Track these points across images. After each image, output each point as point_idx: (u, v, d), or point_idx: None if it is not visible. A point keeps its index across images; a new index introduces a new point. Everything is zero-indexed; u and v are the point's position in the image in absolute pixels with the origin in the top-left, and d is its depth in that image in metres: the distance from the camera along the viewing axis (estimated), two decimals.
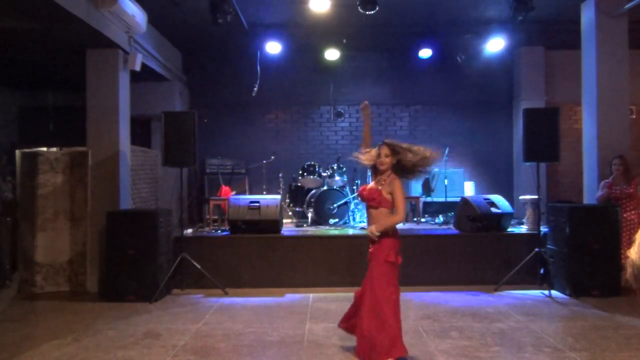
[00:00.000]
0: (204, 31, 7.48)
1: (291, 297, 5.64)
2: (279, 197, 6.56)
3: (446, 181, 7.85)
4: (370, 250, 3.63)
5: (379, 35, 7.92)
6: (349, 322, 3.74)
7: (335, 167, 7.80)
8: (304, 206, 7.78)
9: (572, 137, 8.36)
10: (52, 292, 5.99)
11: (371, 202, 3.54)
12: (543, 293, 5.62)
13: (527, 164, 6.20)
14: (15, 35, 5.85)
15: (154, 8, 6.32)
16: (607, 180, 5.84)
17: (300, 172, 7.87)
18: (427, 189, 8.31)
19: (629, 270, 1.37)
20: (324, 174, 7.79)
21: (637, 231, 5.27)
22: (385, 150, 3.54)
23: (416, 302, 5.35)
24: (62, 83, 8.31)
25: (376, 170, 3.63)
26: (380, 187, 3.53)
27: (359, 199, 3.71)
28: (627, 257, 1.32)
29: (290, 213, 8.17)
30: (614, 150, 5.95)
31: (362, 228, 6.91)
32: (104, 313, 5.03)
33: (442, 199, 7.87)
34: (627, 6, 6.01)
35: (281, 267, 6.07)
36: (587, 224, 5.47)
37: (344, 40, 7.98)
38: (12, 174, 6.39)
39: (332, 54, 8.30)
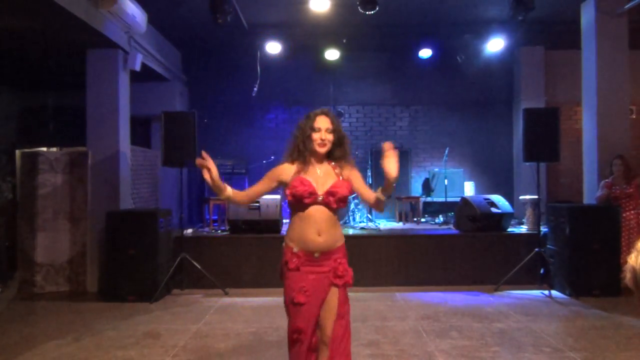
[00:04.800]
0: (204, 31, 7.49)
1: None
2: (279, 197, 6.56)
3: (446, 181, 7.85)
4: (313, 268, 2.41)
5: (379, 35, 7.92)
6: None
7: None
8: None
9: (572, 137, 8.35)
10: (52, 292, 5.99)
11: (339, 194, 2.43)
12: (543, 293, 5.62)
13: (527, 164, 6.20)
14: (15, 35, 5.85)
15: (154, 8, 6.32)
16: (606, 180, 5.84)
17: None
18: (427, 189, 8.32)
19: (628, 275, 1.37)
20: None
21: (636, 231, 5.25)
22: (326, 122, 2.51)
23: (416, 302, 5.35)
24: (62, 83, 8.30)
25: (302, 155, 2.52)
26: (337, 176, 2.51)
27: (303, 195, 2.40)
28: (627, 262, 1.32)
29: None
30: (614, 150, 5.95)
31: (362, 228, 6.92)
32: (104, 313, 5.03)
33: (442, 199, 7.87)
34: (627, 6, 6.01)
35: None
36: (587, 224, 5.47)
37: (344, 40, 7.98)
38: (12, 174, 6.39)
39: (332, 54, 8.29)
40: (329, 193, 2.41)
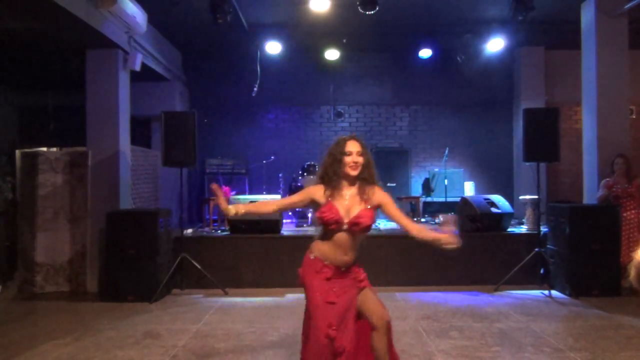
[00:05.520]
0: (204, 31, 7.48)
1: (291, 297, 5.64)
2: (279, 197, 6.56)
3: (446, 181, 7.85)
4: (339, 278, 2.66)
5: (379, 35, 7.92)
6: None
7: None
8: None
9: (572, 137, 8.36)
10: (52, 292, 5.99)
11: (363, 224, 2.59)
12: (543, 293, 5.62)
13: (527, 164, 6.20)
14: (15, 35, 5.85)
15: (154, 8, 6.32)
16: (607, 180, 5.84)
17: (300, 172, 7.87)
18: (427, 189, 8.32)
19: (633, 273, 1.37)
20: None
21: (636, 230, 5.24)
22: (357, 146, 2.66)
23: (416, 302, 5.35)
24: (62, 83, 8.31)
25: (333, 179, 2.66)
26: (364, 204, 2.64)
27: (330, 223, 2.59)
28: (632, 258, 1.32)
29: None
30: (614, 150, 5.95)
31: None
32: (104, 313, 5.03)
33: (442, 199, 7.87)
34: (627, 6, 6.01)
35: (281, 267, 6.07)
36: (587, 224, 5.47)
37: (344, 40, 7.98)
38: (12, 174, 6.39)
39: (332, 54, 8.29)
40: (354, 223, 2.59)
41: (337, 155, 2.66)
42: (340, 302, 2.59)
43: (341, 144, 2.67)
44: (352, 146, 2.66)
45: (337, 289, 2.62)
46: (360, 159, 2.64)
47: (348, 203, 2.63)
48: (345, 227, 2.59)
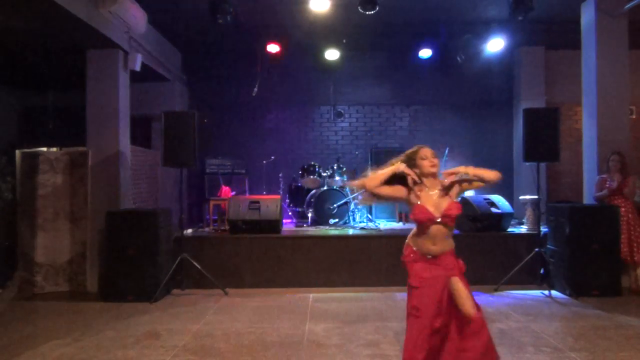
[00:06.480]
0: (204, 31, 7.49)
1: (291, 297, 5.64)
2: (279, 197, 6.57)
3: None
4: (427, 265, 3.03)
5: (379, 35, 7.92)
6: None
7: (335, 167, 7.80)
8: (304, 206, 7.79)
9: (572, 137, 8.36)
10: (52, 292, 5.99)
11: (452, 219, 2.96)
12: (543, 293, 5.62)
13: (527, 164, 6.20)
14: (15, 35, 5.85)
15: (154, 8, 6.33)
16: (602, 176, 5.85)
17: (300, 172, 7.87)
18: None
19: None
20: (324, 174, 7.79)
21: (625, 228, 5.22)
22: (429, 151, 3.14)
23: None
24: (62, 83, 8.31)
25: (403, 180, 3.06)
26: (448, 197, 3.04)
27: (423, 223, 2.97)
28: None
29: (290, 213, 8.18)
30: (614, 150, 5.95)
31: (362, 228, 6.92)
32: (104, 313, 5.03)
33: None
34: (627, 6, 6.01)
35: (281, 267, 6.07)
36: (587, 224, 5.47)
37: (344, 40, 7.98)
38: (12, 174, 6.39)
39: (332, 54, 8.29)
40: (446, 216, 2.94)
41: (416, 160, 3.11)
42: (423, 287, 2.94)
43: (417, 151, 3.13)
44: (425, 151, 3.13)
45: (422, 276, 2.97)
46: (436, 160, 3.10)
47: (436, 200, 3.00)
48: (439, 220, 2.93)
